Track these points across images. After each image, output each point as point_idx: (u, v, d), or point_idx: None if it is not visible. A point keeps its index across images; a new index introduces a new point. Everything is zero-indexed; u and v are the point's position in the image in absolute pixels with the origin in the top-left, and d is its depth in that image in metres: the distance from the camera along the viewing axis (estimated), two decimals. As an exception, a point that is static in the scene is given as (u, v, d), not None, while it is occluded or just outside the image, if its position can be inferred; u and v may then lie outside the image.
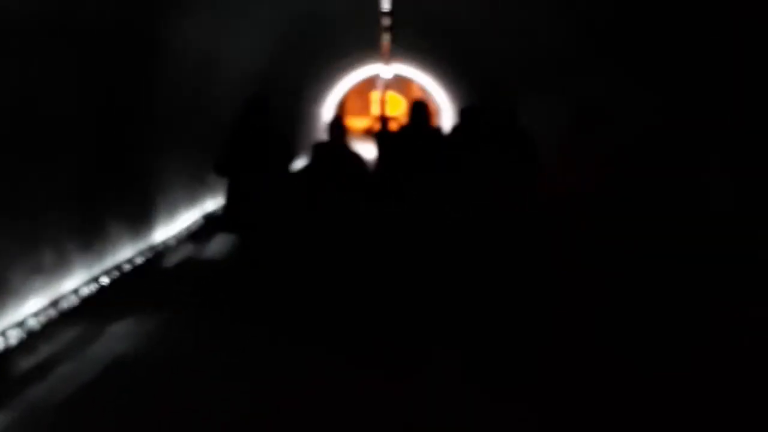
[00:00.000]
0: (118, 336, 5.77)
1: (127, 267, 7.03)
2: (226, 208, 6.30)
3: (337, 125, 6.54)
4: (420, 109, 6.71)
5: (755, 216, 5.68)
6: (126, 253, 7.17)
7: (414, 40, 16.68)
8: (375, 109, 51.05)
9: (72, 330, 5.69)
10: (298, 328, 5.89)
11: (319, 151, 6.56)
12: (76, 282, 6.12)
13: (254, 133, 6.11)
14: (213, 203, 10.30)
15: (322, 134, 24.33)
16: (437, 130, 6.94)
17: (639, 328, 5.92)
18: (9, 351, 4.92)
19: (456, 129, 9.65)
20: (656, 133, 7.45)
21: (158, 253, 7.87)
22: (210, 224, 9.79)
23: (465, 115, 10.25)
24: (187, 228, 9.04)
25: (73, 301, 5.95)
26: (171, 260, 8.16)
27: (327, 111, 26.24)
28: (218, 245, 9.36)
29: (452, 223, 6.80)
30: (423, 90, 29.25)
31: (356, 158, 6.52)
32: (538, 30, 10.28)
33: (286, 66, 14.25)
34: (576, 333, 5.83)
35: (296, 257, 6.55)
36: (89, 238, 6.44)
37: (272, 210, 6.21)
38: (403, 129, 6.85)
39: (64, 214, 5.97)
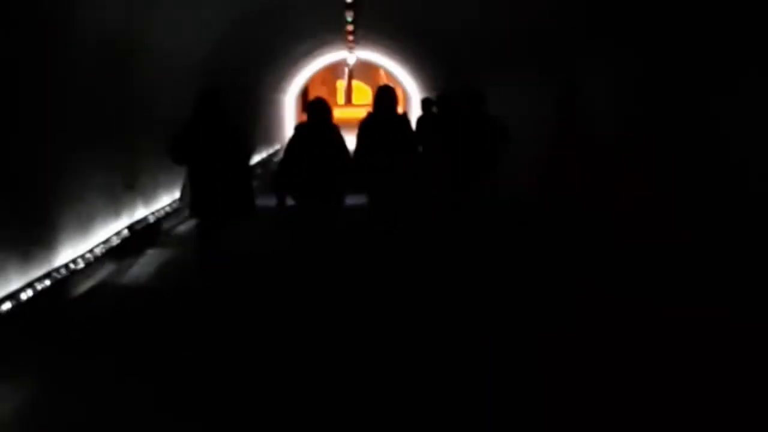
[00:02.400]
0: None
1: (6, 305, 5.23)
2: (192, 195, 6.22)
3: (319, 105, 6.35)
4: (386, 95, 6.80)
5: None
6: (9, 284, 5.36)
7: (379, 21, 15.20)
8: (340, 98, 49.60)
9: None
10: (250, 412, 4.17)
11: (302, 131, 6.34)
12: None
13: (208, 127, 6.06)
14: (143, 210, 8.48)
15: (283, 121, 22.80)
16: (403, 116, 7.11)
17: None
18: None
19: (420, 119, 11.07)
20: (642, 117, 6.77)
21: (60, 281, 6.05)
22: (138, 236, 7.96)
23: (427, 104, 11.47)
24: (106, 243, 7.19)
25: None
26: (77, 289, 6.32)
27: (289, 98, 24.62)
28: (148, 263, 7.57)
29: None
30: (390, 77, 27.87)
31: (338, 137, 6.34)
32: (508, 10, 9.62)
33: (241, 51, 12.60)
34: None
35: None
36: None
37: (232, 202, 6.18)
38: (371, 115, 6.84)
39: None
